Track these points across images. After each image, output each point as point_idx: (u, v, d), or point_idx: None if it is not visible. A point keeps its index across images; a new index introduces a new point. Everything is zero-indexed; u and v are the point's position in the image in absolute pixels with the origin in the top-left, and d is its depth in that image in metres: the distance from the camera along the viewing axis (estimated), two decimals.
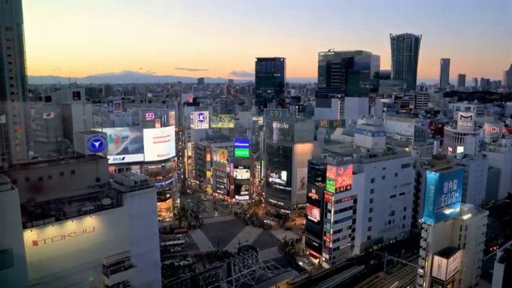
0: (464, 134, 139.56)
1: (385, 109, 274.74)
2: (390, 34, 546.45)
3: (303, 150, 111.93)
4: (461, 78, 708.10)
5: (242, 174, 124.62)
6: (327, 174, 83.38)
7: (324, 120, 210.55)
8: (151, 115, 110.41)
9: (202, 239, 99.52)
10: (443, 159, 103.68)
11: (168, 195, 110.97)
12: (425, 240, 69.68)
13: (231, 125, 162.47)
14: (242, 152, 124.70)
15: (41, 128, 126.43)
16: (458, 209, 72.60)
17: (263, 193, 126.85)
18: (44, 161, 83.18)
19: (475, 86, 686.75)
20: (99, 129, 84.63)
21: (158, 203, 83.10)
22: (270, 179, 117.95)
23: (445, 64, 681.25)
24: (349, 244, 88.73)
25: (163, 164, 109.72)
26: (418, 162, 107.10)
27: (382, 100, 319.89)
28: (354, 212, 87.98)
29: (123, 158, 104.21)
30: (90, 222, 51.07)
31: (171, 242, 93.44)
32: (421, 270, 70.78)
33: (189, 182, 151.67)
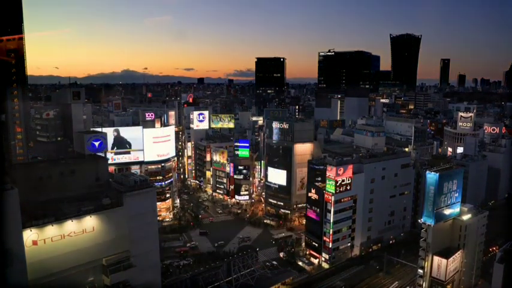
0: (464, 135, 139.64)
1: (385, 109, 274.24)
2: (390, 34, 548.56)
3: (302, 150, 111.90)
4: (461, 78, 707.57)
5: (242, 174, 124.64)
6: (327, 174, 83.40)
7: (324, 120, 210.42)
8: (151, 115, 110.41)
9: (202, 239, 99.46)
10: (443, 160, 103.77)
11: (167, 195, 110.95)
12: (425, 240, 69.76)
13: (231, 125, 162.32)
14: (242, 152, 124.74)
15: (41, 127, 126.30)
16: (458, 209, 72.68)
17: (263, 193, 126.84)
18: (44, 160, 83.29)
19: (475, 86, 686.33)
20: (99, 129, 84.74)
21: (158, 203, 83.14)
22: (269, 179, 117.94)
23: (445, 64, 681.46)
24: (349, 244, 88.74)
25: (163, 164, 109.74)
26: (417, 162, 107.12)
27: (382, 100, 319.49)
28: (354, 212, 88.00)
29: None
30: (90, 222, 51.13)
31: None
32: (420, 271, 70.85)
33: (189, 182, 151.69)
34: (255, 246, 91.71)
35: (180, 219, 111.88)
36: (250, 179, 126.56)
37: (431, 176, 68.91)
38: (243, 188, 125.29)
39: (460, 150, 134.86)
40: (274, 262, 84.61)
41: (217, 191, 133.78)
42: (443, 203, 69.77)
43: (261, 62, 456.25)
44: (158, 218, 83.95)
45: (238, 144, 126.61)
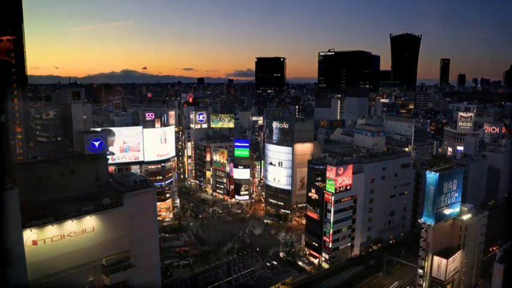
0: (464, 134, 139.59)
1: (385, 109, 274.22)
2: (390, 34, 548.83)
3: (302, 150, 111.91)
4: (461, 78, 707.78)
5: (242, 174, 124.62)
6: (327, 174, 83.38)
7: (324, 120, 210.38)
8: (151, 115, 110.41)
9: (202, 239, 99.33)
10: (443, 159, 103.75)
11: (167, 195, 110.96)
12: (425, 240, 69.75)
13: (231, 125, 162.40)
14: (242, 152, 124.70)
15: (41, 127, 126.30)
16: (458, 209, 72.66)
17: (263, 193, 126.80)
18: (44, 160, 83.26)
19: (475, 86, 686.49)
20: (99, 129, 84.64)
21: (158, 203, 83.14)
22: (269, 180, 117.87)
23: (445, 64, 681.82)
24: (349, 244, 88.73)
25: (162, 164, 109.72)
26: (417, 162, 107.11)
27: (382, 100, 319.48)
28: (354, 212, 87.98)
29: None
30: (90, 222, 51.15)
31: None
32: (420, 271, 70.83)
33: (189, 182, 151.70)
34: (255, 246, 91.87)
35: (180, 219, 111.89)
36: (250, 179, 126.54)
37: (431, 176, 68.89)
38: (243, 188, 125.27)
39: (460, 149, 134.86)
40: (274, 262, 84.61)
41: (217, 191, 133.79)
42: (443, 203, 69.74)
43: (261, 62, 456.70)
44: (158, 218, 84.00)
45: (236, 144, 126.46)
